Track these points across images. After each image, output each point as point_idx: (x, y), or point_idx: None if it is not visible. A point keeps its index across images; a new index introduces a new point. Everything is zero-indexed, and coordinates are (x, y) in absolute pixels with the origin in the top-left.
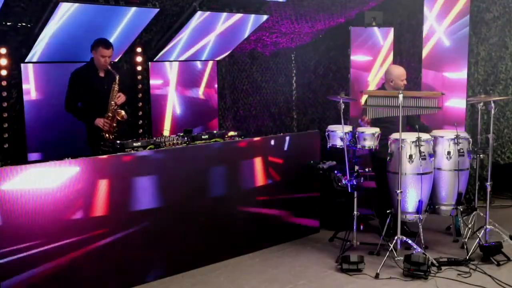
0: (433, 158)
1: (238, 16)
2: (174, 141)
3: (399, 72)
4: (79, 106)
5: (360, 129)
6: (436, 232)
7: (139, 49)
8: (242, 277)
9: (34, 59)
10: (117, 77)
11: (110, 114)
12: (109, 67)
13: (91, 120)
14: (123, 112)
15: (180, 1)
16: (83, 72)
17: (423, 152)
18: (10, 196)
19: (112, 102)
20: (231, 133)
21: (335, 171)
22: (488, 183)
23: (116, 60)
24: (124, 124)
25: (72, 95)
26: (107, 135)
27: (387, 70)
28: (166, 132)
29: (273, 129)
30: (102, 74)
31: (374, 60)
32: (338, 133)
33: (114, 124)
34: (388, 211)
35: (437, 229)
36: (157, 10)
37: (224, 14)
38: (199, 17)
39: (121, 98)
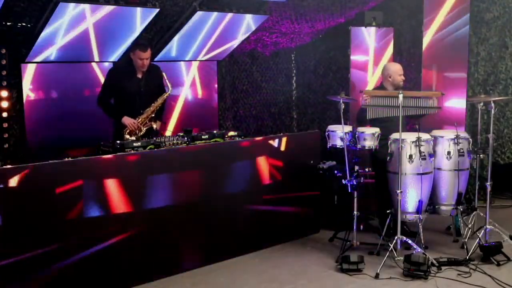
0: (433, 158)
1: (238, 16)
2: (174, 141)
3: (396, 67)
4: (111, 103)
5: (360, 129)
6: (436, 232)
7: None
8: (242, 277)
9: (34, 59)
10: (169, 92)
11: (144, 118)
12: (165, 78)
13: (119, 117)
14: (155, 126)
15: (180, 1)
16: (121, 70)
17: (423, 152)
18: (10, 196)
19: (152, 108)
20: (231, 133)
21: (335, 171)
22: (488, 183)
23: (116, 60)
24: (152, 132)
25: (106, 91)
26: (127, 135)
27: (384, 67)
28: (168, 133)
29: (273, 129)
30: (139, 75)
31: (373, 60)
32: (338, 133)
33: (143, 128)
34: (388, 211)
35: (437, 229)
36: (157, 10)
37: (224, 14)
38: (199, 17)
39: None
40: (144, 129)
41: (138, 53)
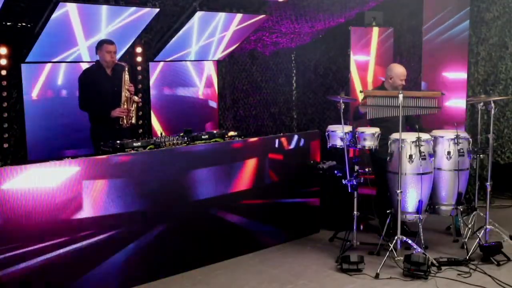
0: (433, 158)
1: (238, 16)
2: (174, 141)
3: (400, 71)
4: (93, 104)
5: (360, 129)
6: (436, 232)
7: (139, 49)
8: (242, 277)
9: (34, 59)
10: (126, 67)
11: (124, 104)
12: (116, 61)
13: (107, 115)
14: (136, 98)
15: (180, 1)
16: (91, 72)
17: (423, 152)
18: (10, 196)
19: (125, 92)
20: (231, 133)
21: (335, 171)
22: (488, 183)
23: (116, 60)
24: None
25: (83, 96)
26: (125, 122)
27: (389, 67)
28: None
29: (273, 129)
30: (109, 73)
31: (373, 60)
32: (338, 133)
33: (132, 109)
34: (388, 211)
35: (437, 229)
36: (157, 10)
37: (224, 14)
38: (199, 17)
39: (132, 88)
40: (133, 111)
41: (105, 46)
